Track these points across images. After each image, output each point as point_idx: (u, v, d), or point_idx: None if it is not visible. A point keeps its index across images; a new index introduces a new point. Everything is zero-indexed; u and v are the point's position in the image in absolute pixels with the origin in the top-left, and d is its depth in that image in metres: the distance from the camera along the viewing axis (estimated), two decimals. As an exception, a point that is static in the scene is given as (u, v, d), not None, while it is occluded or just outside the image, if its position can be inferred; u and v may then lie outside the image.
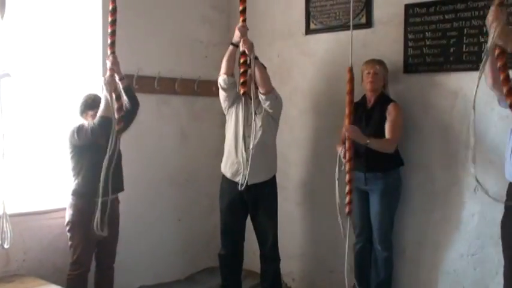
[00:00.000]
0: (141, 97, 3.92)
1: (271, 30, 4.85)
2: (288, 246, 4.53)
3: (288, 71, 4.75)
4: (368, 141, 3.72)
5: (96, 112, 3.64)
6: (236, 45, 3.92)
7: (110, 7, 3.46)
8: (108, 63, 3.58)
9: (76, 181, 3.68)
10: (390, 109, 3.90)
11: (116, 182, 3.73)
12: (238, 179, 3.96)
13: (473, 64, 3.75)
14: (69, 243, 3.71)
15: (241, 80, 3.92)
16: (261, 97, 3.95)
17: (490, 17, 2.65)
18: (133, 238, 4.34)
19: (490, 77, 2.84)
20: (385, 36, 4.19)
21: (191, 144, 4.88)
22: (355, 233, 4.09)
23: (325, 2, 4.55)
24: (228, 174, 4.08)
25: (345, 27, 4.35)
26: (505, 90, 2.61)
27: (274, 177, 4.19)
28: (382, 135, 3.89)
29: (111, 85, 3.56)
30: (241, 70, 3.91)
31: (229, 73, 4.00)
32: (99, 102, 3.69)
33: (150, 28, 4.49)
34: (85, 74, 4.25)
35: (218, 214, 4.29)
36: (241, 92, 3.94)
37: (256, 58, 3.85)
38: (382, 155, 3.84)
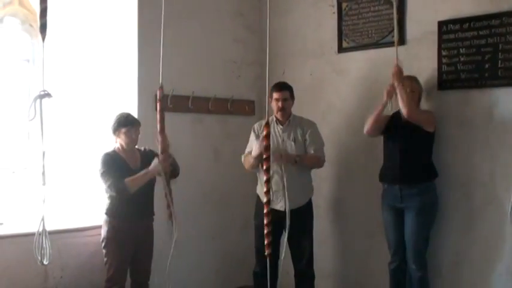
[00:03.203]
0: (175, 116, 3.98)
1: (304, 49, 4.88)
2: (321, 264, 4.49)
3: (321, 89, 4.76)
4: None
5: (129, 129, 3.70)
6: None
7: (158, 95, 3.46)
8: (159, 144, 3.53)
9: (109, 201, 3.75)
10: None
11: (149, 208, 3.84)
12: (275, 206, 3.94)
13: (509, 80, 3.71)
14: (105, 259, 3.75)
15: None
16: None
17: None
18: (168, 256, 4.35)
19: None
20: (419, 54, 4.17)
21: (224, 163, 4.91)
22: (390, 252, 4.05)
23: (357, 21, 4.56)
24: (262, 199, 4.10)
25: (377, 45, 4.36)
26: None
27: (310, 198, 4.21)
28: (416, 147, 3.87)
29: (166, 166, 3.58)
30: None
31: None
32: (132, 120, 3.76)
33: (184, 48, 4.57)
34: (121, 94, 4.34)
35: (252, 232, 4.30)
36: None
37: (296, 161, 3.97)
38: (418, 167, 3.82)
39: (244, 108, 4.89)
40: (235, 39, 5.01)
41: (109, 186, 3.62)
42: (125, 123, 3.74)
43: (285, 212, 3.81)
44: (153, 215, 3.88)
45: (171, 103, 4.33)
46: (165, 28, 4.21)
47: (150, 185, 3.79)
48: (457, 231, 3.99)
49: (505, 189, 3.75)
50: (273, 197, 3.97)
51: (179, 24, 4.53)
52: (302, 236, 4.11)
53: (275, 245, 4.20)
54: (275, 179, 3.96)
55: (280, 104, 4.07)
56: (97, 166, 3.71)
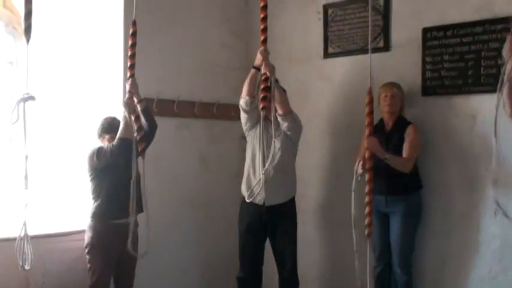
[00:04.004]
0: (160, 120, 3.96)
1: (290, 54, 4.89)
2: (307, 269, 4.49)
3: (306, 94, 4.77)
4: (387, 156, 3.73)
5: (112, 136, 3.68)
6: (257, 69, 3.90)
7: (131, 31, 3.50)
8: (127, 86, 3.61)
9: (96, 203, 3.72)
10: (409, 130, 3.91)
11: (137, 203, 3.76)
12: (256, 200, 3.95)
13: (492, 86, 3.71)
14: (88, 265, 3.72)
15: (262, 96, 3.62)
16: (279, 118, 3.97)
17: (507, 46, 2.66)
18: (152, 260, 4.33)
19: (508, 107, 2.79)
20: (403, 60, 4.21)
21: (210, 167, 4.90)
22: (374, 256, 4.06)
23: (342, 27, 4.59)
24: (246, 195, 4.10)
25: (362, 51, 4.38)
26: None
27: (293, 199, 4.19)
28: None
29: (130, 107, 3.59)
30: (262, 86, 3.64)
31: (251, 95, 4.03)
32: (116, 125, 3.73)
33: (170, 52, 4.56)
34: (106, 97, 4.31)
35: (237, 237, 4.29)
36: (261, 107, 3.66)
37: (276, 81, 3.86)
38: (403, 178, 3.83)
39: (229, 112, 4.89)
40: (221, 43, 5.01)
41: (111, 150, 3.58)
42: (108, 129, 3.74)
43: (264, 206, 3.78)
44: (142, 210, 3.77)
45: (156, 107, 4.32)
46: (152, 32, 4.22)
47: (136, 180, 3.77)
48: (440, 235, 4.02)
49: (487, 194, 3.80)
50: (253, 191, 3.93)
51: (166, 28, 4.52)
52: (285, 240, 4.10)
53: (259, 250, 4.21)
54: (256, 173, 3.97)
55: None
56: (88, 158, 3.70)
